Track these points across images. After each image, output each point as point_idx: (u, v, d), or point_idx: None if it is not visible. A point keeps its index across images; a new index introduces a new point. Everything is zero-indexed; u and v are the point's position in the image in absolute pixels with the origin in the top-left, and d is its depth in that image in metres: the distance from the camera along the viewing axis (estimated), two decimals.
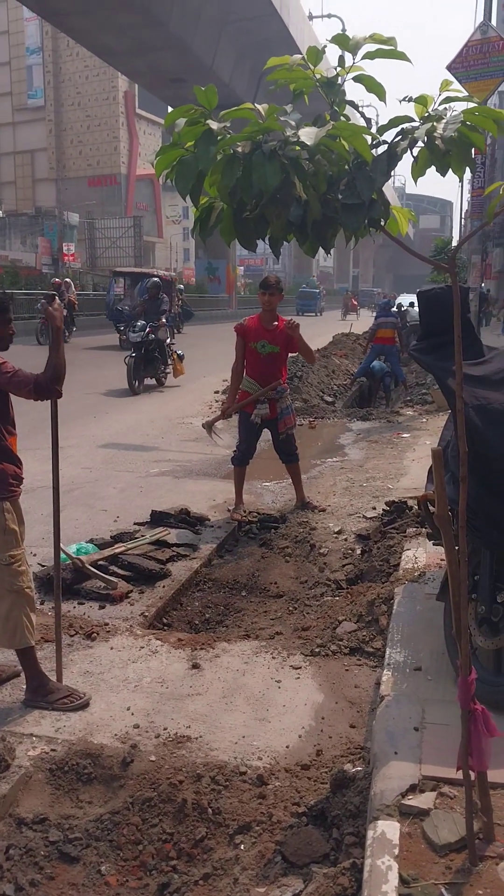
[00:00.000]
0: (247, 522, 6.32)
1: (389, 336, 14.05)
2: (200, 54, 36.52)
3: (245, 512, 6.47)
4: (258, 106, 2.07)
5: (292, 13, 39.62)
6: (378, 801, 2.54)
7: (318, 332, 29.13)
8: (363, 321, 34.29)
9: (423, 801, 2.51)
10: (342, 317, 46.60)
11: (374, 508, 6.41)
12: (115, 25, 33.03)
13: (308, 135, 1.94)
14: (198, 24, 35.06)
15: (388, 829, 2.39)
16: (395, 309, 17.52)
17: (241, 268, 70.55)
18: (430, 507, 3.61)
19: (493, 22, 17.72)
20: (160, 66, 38.05)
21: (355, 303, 51.57)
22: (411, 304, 25.10)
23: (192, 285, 47.28)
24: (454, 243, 42.93)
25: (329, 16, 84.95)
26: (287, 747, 3.22)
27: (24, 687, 3.54)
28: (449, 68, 13.34)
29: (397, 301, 25.79)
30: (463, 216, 44.95)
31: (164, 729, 3.31)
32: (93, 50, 38.59)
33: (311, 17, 44.36)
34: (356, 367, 16.28)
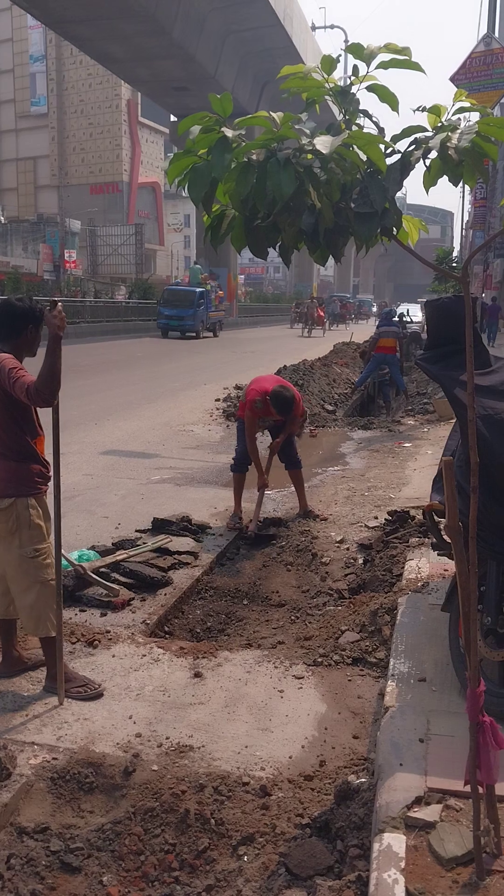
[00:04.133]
0: (245, 530, 6.29)
1: (391, 345, 14.06)
2: (204, 63, 36.64)
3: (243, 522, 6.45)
4: (273, 114, 2.07)
5: (295, 24, 39.83)
6: (383, 813, 2.52)
7: (315, 342, 29.21)
8: (333, 338, 28.05)
9: (429, 813, 2.48)
10: (303, 331, 36.75)
11: (376, 518, 6.39)
12: (118, 34, 33.15)
13: (323, 143, 1.94)
14: (201, 33, 35.20)
15: (394, 841, 2.37)
16: (396, 318, 17.52)
17: (242, 276, 70.64)
18: (436, 517, 3.60)
19: (497, 34, 17.81)
20: (163, 74, 38.18)
21: (321, 313, 39.08)
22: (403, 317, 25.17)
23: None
24: (455, 253, 43.04)
25: (332, 26, 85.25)
26: (290, 758, 3.20)
27: (24, 695, 3.61)
28: (452, 79, 13.41)
29: (398, 311, 25.85)
30: (464, 227, 45.11)
31: (167, 738, 3.29)
32: (96, 58, 38.71)
33: (313, 28, 44.65)
34: (357, 377, 16.29)
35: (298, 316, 40.30)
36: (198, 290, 30.59)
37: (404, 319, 24.34)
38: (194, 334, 29.99)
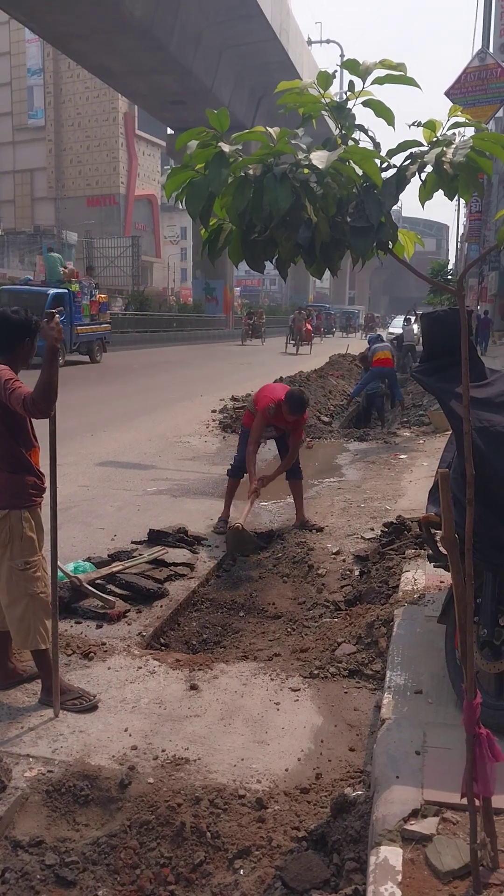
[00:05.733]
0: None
1: (388, 357, 14.14)
2: (200, 77, 36.94)
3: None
4: (270, 129, 2.09)
5: (292, 38, 40.18)
6: (380, 826, 2.51)
7: (322, 347, 29.21)
8: (324, 351, 25.48)
9: (426, 826, 2.48)
10: (287, 347, 32.65)
11: (373, 529, 6.39)
12: (116, 48, 33.44)
13: (320, 158, 1.96)
14: (198, 48, 35.50)
15: (391, 854, 2.36)
16: (392, 332, 17.62)
17: (238, 288, 70.91)
18: (432, 529, 3.61)
19: (491, 49, 17.98)
20: (160, 88, 38.47)
21: (309, 328, 34.33)
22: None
23: (189, 305, 47.44)
24: (450, 266, 43.25)
25: (328, 41, 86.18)
26: (286, 770, 3.19)
27: (19, 707, 3.59)
28: (447, 94, 13.53)
29: (390, 328, 25.95)
30: (459, 239, 45.33)
31: (163, 751, 3.28)
32: (94, 72, 39.01)
33: (309, 43, 45.07)
34: (352, 388, 16.33)
35: (252, 329, 37.41)
36: (53, 290, 19.94)
37: (398, 336, 24.39)
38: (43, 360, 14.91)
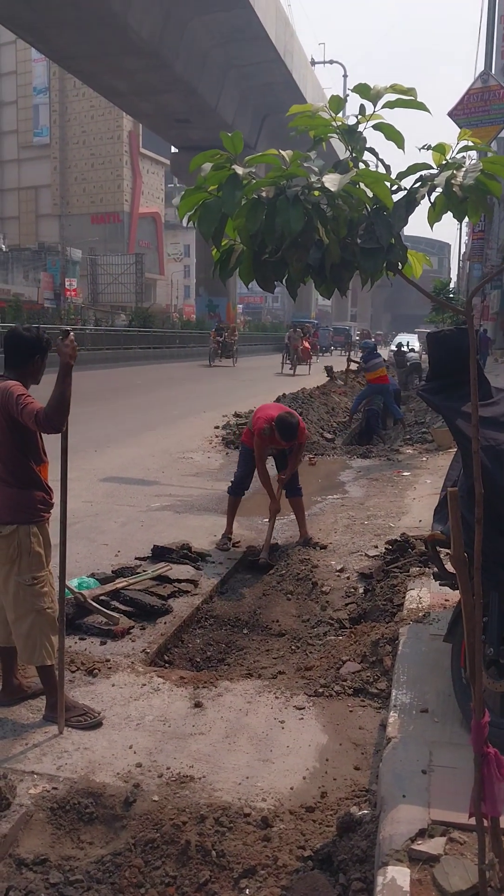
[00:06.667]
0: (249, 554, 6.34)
1: (382, 374, 14.15)
2: (205, 96, 37.23)
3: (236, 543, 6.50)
4: (282, 152, 2.12)
5: (296, 59, 40.54)
6: (386, 845, 2.50)
7: (318, 366, 29.12)
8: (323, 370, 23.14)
9: (433, 846, 2.47)
10: (283, 367, 29.35)
11: (377, 547, 6.39)
12: (122, 68, 33.75)
13: (332, 181, 1.99)
14: (203, 68, 35.83)
15: (399, 875, 2.35)
16: (394, 348, 17.59)
17: (241, 305, 71.13)
18: (438, 548, 3.61)
19: (493, 71, 18.16)
20: (166, 107, 38.78)
21: (307, 345, 30.95)
22: (409, 348, 25.24)
23: (192, 321, 47.54)
24: (452, 285, 43.41)
25: (331, 62, 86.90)
26: (291, 789, 3.18)
27: (24, 723, 3.59)
28: (451, 115, 13.64)
29: (396, 341, 25.94)
30: (462, 258, 45.53)
31: (167, 768, 3.27)
32: (100, 91, 39.34)
33: (313, 63, 45.44)
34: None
35: (222, 348, 32.06)
36: None
37: (402, 349, 24.45)
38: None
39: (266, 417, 6.40)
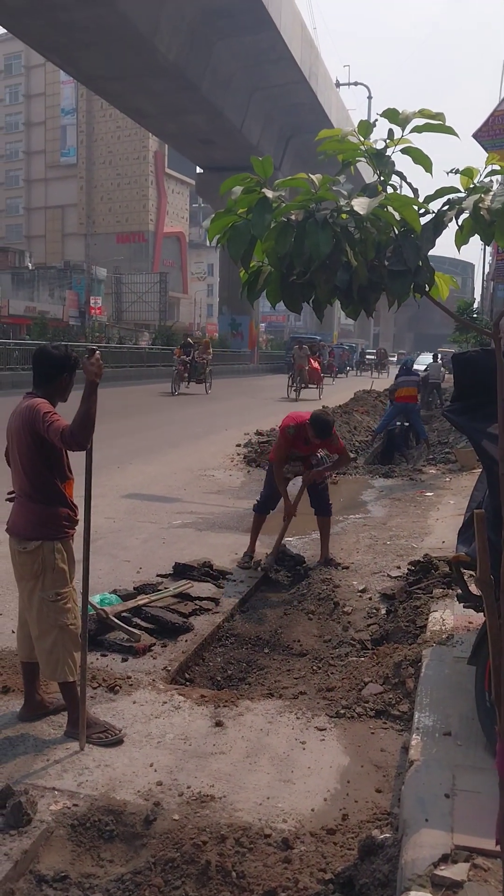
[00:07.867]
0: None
1: (412, 394, 14.09)
2: (230, 117, 37.67)
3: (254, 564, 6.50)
4: (312, 176, 2.15)
5: (320, 81, 40.94)
6: (409, 870, 2.47)
7: (334, 389, 29.20)
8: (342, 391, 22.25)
9: (457, 872, 2.43)
10: (289, 391, 24.89)
11: (399, 567, 6.36)
12: (149, 89, 34.29)
13: (361, 205, 2.02)
14: (229, 90, 36.27)
15: None
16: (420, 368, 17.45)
17: (263, 324, 71.42)
18: (463, 569, 3.59)
19: None
20: (191, 127, 39.28)
21: (316, 366, 26.84)
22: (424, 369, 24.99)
23: (215, 340, 47.79)
24: (475, 305, 43.29)
25: (356, 83, 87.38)
26: (312, 810, 3.15)
27: (45, 739, 3.59)
28: (475, 136, 13.68)
29: (420, 360, 25.72)
30: (485, 278, 45.42)
31: (188, 787, 3.26)
32: (126, 112, 39.95)
33: (338, 85, 45.81)
34: (377, 423, 16.31)
35: (189, 370, 24.19)
36: None
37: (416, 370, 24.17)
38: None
39: (294, 417, 6.37)
